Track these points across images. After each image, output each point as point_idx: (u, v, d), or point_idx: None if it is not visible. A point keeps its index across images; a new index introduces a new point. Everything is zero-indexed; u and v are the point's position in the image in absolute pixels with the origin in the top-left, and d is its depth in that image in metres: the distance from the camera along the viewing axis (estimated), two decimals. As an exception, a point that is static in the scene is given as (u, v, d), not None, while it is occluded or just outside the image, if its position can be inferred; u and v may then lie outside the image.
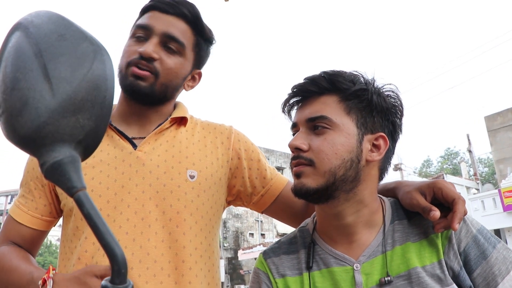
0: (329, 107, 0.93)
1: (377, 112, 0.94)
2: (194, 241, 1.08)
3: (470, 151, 23.90)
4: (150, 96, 1.10)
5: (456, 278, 0.88)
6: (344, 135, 0.90)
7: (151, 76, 1.08)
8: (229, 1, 4.75)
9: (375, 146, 0.93)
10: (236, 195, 1.26)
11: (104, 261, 1.00)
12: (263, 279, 1.03)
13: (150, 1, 1.14)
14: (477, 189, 22.95)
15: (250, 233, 30.78)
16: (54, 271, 0.95)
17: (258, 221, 31.26)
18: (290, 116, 1.02)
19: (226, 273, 27.93)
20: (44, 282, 0.92)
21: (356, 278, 0.92)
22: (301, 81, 0.99)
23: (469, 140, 23.90)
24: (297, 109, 1.01)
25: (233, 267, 28.49)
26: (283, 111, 1.03)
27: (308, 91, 0.96)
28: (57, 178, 0.42)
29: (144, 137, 1.13)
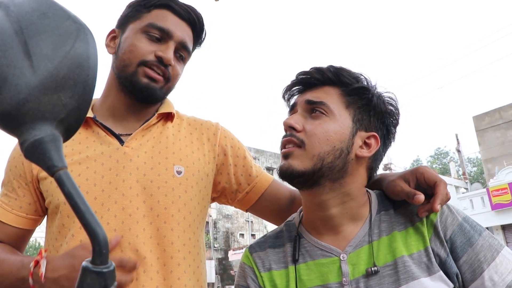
0: (330, 96, 0.95)
1: (375, 113, 0.96)
2: (182, 237, 1.08)
3: (459, 151, 24.11)
4: (159, 98, 1.14)
5: (443, 265, 0.88)
6: (338, 124, 0.92)
7: (162, 80, 1.10)
8: (219, 0, 4.74)
9: (366, 144, 0.95)
10: (221, 191, 1.25)
11: None
12: (249, 273, 1.03)
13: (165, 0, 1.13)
14: (466, 189, 23.17)
15: (240, 234, 30.76)
16: (46, 252, 0.94)
17: (248, 221, 31.25)
18: (289, 103, 1.03)
19: (216, 273, 27.87)
20: (37, 263, 0.91)
21: (343, 269, 0.92)
22: (307, 69, 1.01)
23: (457, 140, 24.12)
24: (297, 96, 1.02)
25: (224, 267, 28.44)
26: (283, 97, 1.03)
27: (312, 78, 0.98)
28: (38, 157, 0.41)
29: (131, 134, 1.12)
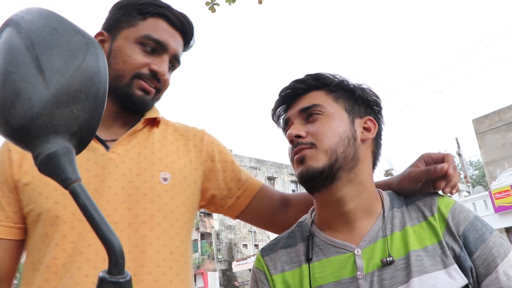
0: (319, 98, 0.99)
1: (362, 101, 1.01)
2: (169, 246, 1.05)
3: (459, 154, 24.08)
4: (148, 108, 1.14)
5: (457, 258, 0.89)
6: (337, 119, 0.96)
7: (154, 92, 1.11)
8: (215, 12, 4.78)
9: (366, 129, 1.00)
10: (210, 199, 1.23)
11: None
12: (260, 277, 1.04)
13: (161, 8, 1.11)
14: (468, 192, 23.09)
15: (243, 244, 30.65)
16: None
17: (251, 231, 31.15)
18: (279, 122, 1.06)
19: (220, 285, 27.70)
20: None
21: (357, 263, 0.92)
22: (287, 84, 1.05)
23: (458, 143, 24.11)
24: (288, 111, 1.04)
25: (228, 279, 28.28)
26: (273, 119, 1.07)
27: (297, 89, 1.02)
28: (52, 170, 0.42)
29: (116, 139, 1.10)
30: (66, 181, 0.42)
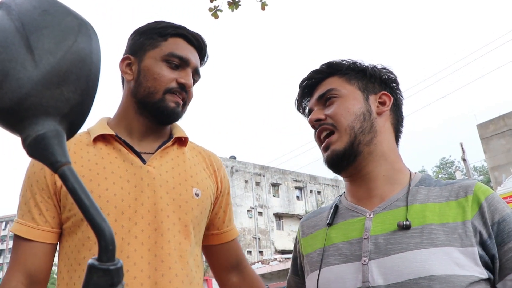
0: (333, 83, 1.09)
1: (374, 78, 1.09)
2: (192, 253, 1.16)
3: (464, 160, 23.96)
4: (179, 119, 1.24)
5: (483, 243, 0.90)
6: (351, 98, 1.05)
7: (182, 103, 1.21)
8: (218, 17, 4.80)
9: (381, 103, 1.07)
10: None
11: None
12: (296, 240, 1.21)
13: (179, 29, 1.24)
14: (474, 198, 22.84)
15: (248, 251, 30.56)
16: None
17: (255, 238, 31.07)
18: (305, 114, 1.16)
19: (225, 292, 27.52)
20: None
21: (366, 225, 0.98)
22: (305, 76, 1.15)
23: (462, 148, 23.99)
24: (309, 102, 1.15)
25: (232, 286, 28.12)
26: (298, 110, 1.18)
27: (313, 79, 1.13)
28: (40, 153, 0.41)
29: (148, 153, 1.20)
30: (55, 164, 0.40)
